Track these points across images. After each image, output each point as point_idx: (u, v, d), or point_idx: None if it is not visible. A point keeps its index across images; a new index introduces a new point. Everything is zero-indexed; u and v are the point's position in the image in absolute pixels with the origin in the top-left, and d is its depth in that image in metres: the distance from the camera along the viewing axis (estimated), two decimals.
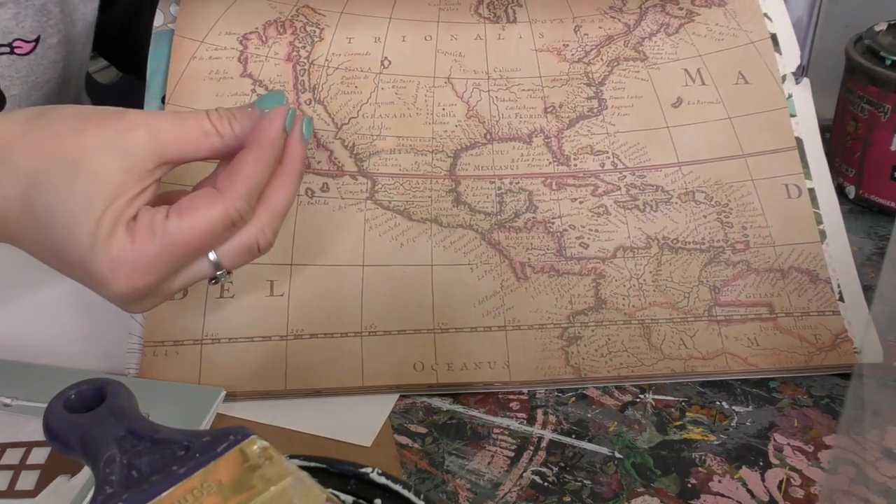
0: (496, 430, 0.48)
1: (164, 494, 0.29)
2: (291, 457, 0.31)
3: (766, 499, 0.44)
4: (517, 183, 0.56)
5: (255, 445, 0.30)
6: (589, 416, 0.49)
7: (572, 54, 0.60)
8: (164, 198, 0.43)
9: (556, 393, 0.51)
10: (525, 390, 0.51)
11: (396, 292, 0.52)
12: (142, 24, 0.72)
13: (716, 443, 0.47)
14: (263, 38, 0.58)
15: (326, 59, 0.58)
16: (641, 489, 0.45)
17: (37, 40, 0.64)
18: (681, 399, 0.50)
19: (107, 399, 0.33)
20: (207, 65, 0.57)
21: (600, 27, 0.61)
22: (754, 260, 0.54)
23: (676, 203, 0.56)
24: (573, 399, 0.50)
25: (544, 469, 0.46)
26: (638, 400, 0.50)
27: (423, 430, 0.48)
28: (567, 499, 0.44)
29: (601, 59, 0.60)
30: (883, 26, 0.68)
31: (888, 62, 0.64)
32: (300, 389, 0.50)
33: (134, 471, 0.30)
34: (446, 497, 0.44)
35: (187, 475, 0.29)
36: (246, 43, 0.58)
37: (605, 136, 0.57)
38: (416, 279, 0.53)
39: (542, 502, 0.44)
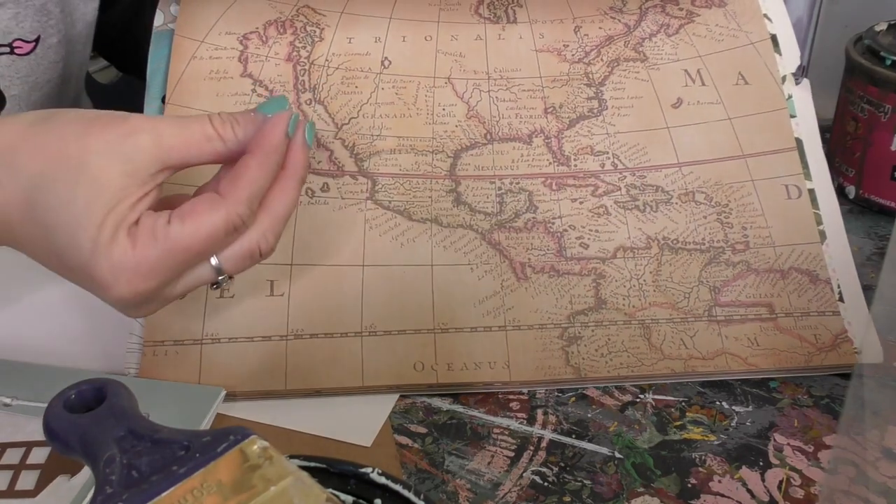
0: (496, 430, 0.48)
1: (164, 494, 0.29)
2: (291, 457, 0.31)
3: (766, 499, 0.44)
4: (517, 183, 0.56)
5: (255, 445, 0.30)
6: (589, 416, 0.49)
7: (572, 55, 0.60)
8: (166, 202, 0.43)
9: (556, 393, 0.51)
10: (525, 390, 0.51)
11: (396, 292, 0.52)
12: (142, 24, 0.72)
13: (716, 443, 0.47)
14: (264, 38, 0.58)
15: (327, 59, 0.58)
16: (641, 489, 0.45)
17: (37, 40, 0.64)
18: (681, 399, 0.51)
19: (107, 399, 0.33)
20: (208, 65, 0.57)
21: (600, 28, 0.61)
22: (754, 260, 0.54)
23: (676, 203, 0.56)
24: (573, 399, 0.50)
25: (544, 469, 0.46)
26: (638, 400, 0.50)
27: (423, 430, 0.48)
28: (567, 499, 0.44)
29: (601, 59, 0.60)
30: (883, 26, 0.68)
31: (888, 62, 0.64)
32: (300, 389, 0.50)
33: (134, 471, 0.30)
34: (446, 497, 0.44)
35: (187, 475, 0.29)
36: (246, 43, 0.58)
37: (606, 137, 0.58)
38: (416, 279, 0.53)
39: (542, 502, 0.44)
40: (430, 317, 0.52)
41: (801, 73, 0.60)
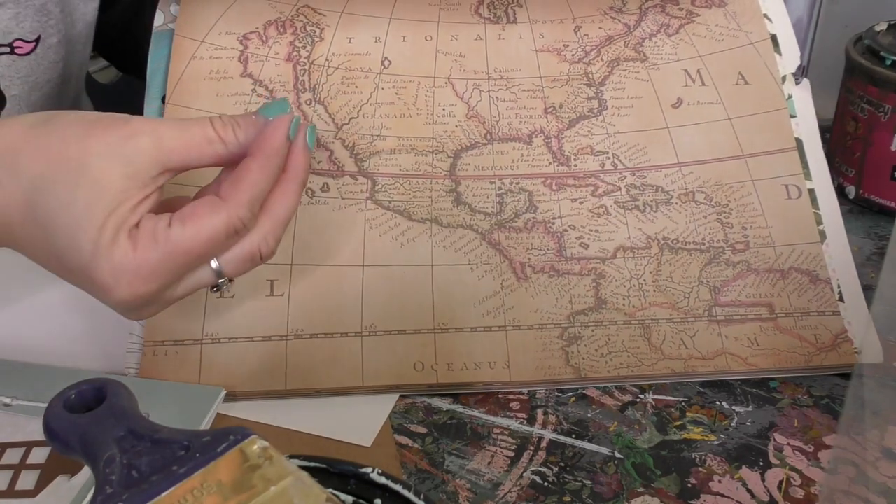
0: (496, 430, 0.48)
1: (164, 494, 0.29)
2: (291, 457, 0.31)
3: (766, 499, 0.44)
4: (517, 183, 0.56)
5: (255, 445, 0.30)
6: (589, 416, 0.49)
7: (572, 55, 0.60)
8: (167, 205, 0.43)
9: (556, 393, 0.51)
10: (525, 390, 0.51)
11: (396, 292, 0.52)
12: (142, 24, 0.72)
13: (716, 443, 0.47)
14: (264, 38, 0.58)
15: (327, 59, 0.58)
16: (641, 489, 0.45)
17: (37, 40, 0.64)
18: (681, 399, 0.51)
19: (107, 399, 0.33)
20: (208, 64, 0.57)
21: (600, 28, 0.61)
22: (754, 260, 0.54)
23: (676, 203, 0.56)
24: (573, 399, 0.50)
25: (544, 469, 0.46)
26: (638, 400, 0.50)
27: (423, 430, 0.48)
28: (567, 499, 0.44)
29: (601, 59, 0.60)
30: (883, 26, 0.68)
31: (888, 62, 0.64)
32: (300, 389, 0.50)
33: (134, 471, 0.30)
34: (446, 497, 0.44)
35: (187, 475, 0.29)
36: (246, 43, 0.58)
37: (606, 137, 0.58)
38: (416, 279, 0.53)
39: (542, 502, 0.44)
40: (430, 317, 0.52)
41: (801, 73, 0.60)
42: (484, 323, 0.52)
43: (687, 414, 0.49)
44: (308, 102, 0.57)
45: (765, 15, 0.62)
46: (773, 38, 0.61)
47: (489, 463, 0.46)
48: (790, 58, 0.60)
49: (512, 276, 0.53)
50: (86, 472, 0.44)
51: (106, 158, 0.40)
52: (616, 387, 0.51)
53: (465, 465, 0.46)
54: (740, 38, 0.61)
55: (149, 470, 0.30)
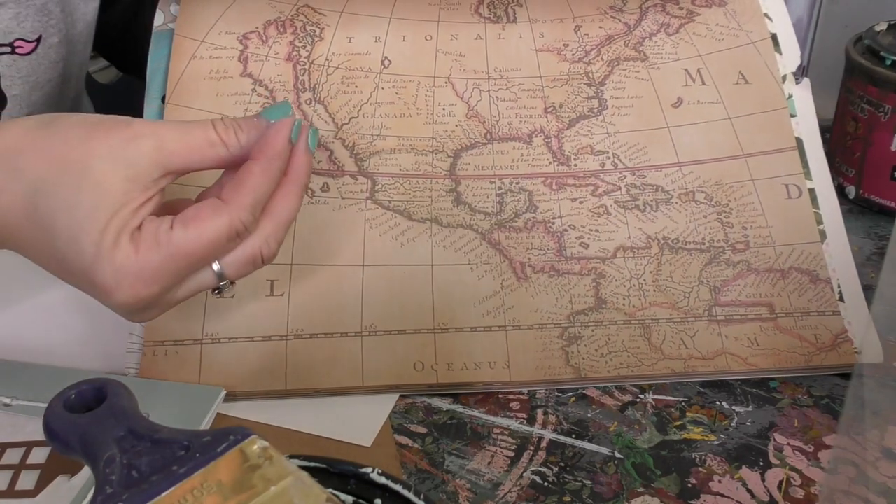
0: (496, 430, 0.48)
1: (164, 494, 0.29)
2: (291, 457, 0.31)
3: (766, 499, 0.44)
4: (517, 183, 0.56)
5: (255, 445, 0.30)
6: (589, 416, 0.49)
7: (572, 54, 0.60)
8: (168, 207, 0.43)
9: (556, 393, 0.51)
10: (525, 390, 0.51)
11: (396, 292, 0.52)
12: (142, 24, 0.72)
13: (716, 443, 0.47)
14: (263, 38, 0.58)
15: (327, 59, 0.58)
16: (641, 489, 0.45)
17: (38, 40, 0.64)
18: (681, 399, 0.50)
19: (107, 399, 0.33)
20: (207, 64, 0.57)
21: (600, 27, 0.61)
22: (754, 260, 0.54)
23: (676, 203, 0.56)
24: (573, 399, 0.50)
25: (544, 469, 0.46)
26: (638, 400, 0.50)
27: (423, 430, 0.48)
28: (567, 499, 0.44)
29: (601, 58, 0.60)
30: (883, 26, 0.68)
31: (888, 62, 0.64)
32: (300, 389, 0.50)
33: (134, 471, 0.30)
34: (446, 497, 0.44)
35: (187, 475, 0.29)
36: (246, 42, 0.58)
37: (606, 136, 0.57)
38: (416, 279, 0.53)
39: (542, 502, 0.44)
40: (430, 317, 0.52)
41: (802, 73, 0.60)
42: (484, 323, 0.52)
43: (687, 414, 0.49)
44: (308, 102, 0.57)
45: (765, 14, 0.62)
46: (774, 38, 0.61)
47: (489, 463, 0.46)
48: (790, 57, 0.60)
49: (512, 276, 0.53)
50: (86, 472, 0.44)
51: (108, 161, 0.40)
52: (616, 387, 0.51)
53: (465, 465, 0.46)
54: (741, 37, 0.61)
55: (149, 470, 0.30)
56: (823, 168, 0.58)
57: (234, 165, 0.43)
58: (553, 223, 0.55)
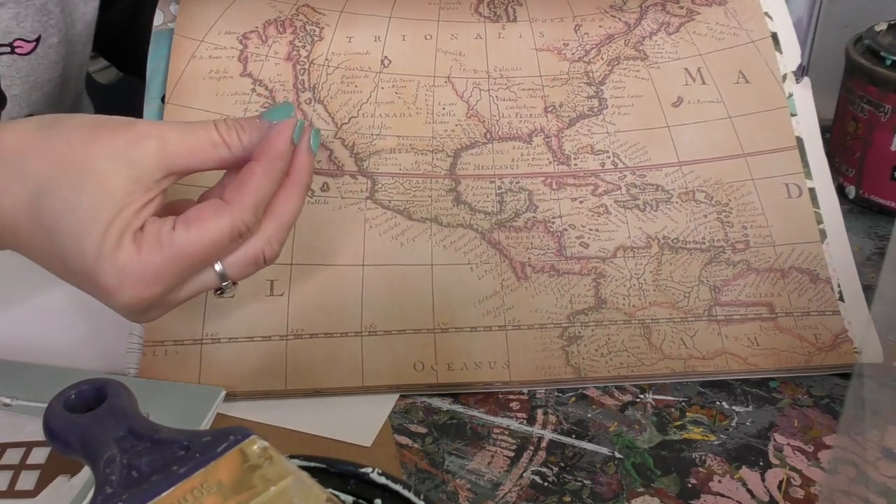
0: (496, 430, 0.48)
1: (164, 494, 0.29)
2: (291, 457, 0.31)
3: (766, 499, 0.44)
4: (517, 182, 0.56)
5: (255, 445, 0.30)
6: (589, 416, 0.49)
7: (572, 53, 0.60)
8: (170, 208, 0.43)
9: (556, 393, 0.51)
10: (525, 390, 0.51)
11: (396, 292, 0.52)
12: (142, 24, 0.71)
13: (716, 443, 0.47)
14: (263, 38, 0.58)
15: (326, 59, 0.58)
16: (641, 489, 0.45)
17: (37, 40, 0.64)
18: (681, 399, 0.50)
19: (107, 399, 0.33)
20: (207, 64, 0.57)
21: (600, 26, 0.61)
22: (754, 260, 0.54)
23: (677, 202, 0.56)
24: (573, 399, 0.50)
25: (544, 469, 0.46)
26: (638, 400, 0.50)
27: (423, 430, 0.48)
28: (567, 499, 0.44)
29: (601, 58, 0.60)
30: (883, 26, 0.68)
31: (888, 62, 0.64)
32: (300, 389, 0.50)
33: (134, 471, 0.30)
34: (446, 497, 0.44)
35: (187, 475, 0.29)
36: (246, 42, 0.58)
37: (606, 136, 0.57)
38: (416, 279, 0.53)
39: (542, 502, 0.44)
40: (430, 317, 0.52)
41: (802, 72, 0.60)
42: (484, 323, 0.52)
43: (687, 414, 0.49)
44: (308, 102, 0.57)
45: (765, 13, 0.62)
46: (774, 37, 0.61)
47: (489, 463, 0.46)
48: (791, 56, 0.60)
49: (512, 276, 0.53)
50: (86, 472, 0.44)
51: (111, 162, 0.40)
52: (616, 387, 0.51)
53: (465, 465, 0.46)
54: (741, 36, 0.61)
55: (149, 470, 0.30)
56: (824, 167, 0.58)
57: (236, 166, 0.43)
58: (553, 223, 0.55)
